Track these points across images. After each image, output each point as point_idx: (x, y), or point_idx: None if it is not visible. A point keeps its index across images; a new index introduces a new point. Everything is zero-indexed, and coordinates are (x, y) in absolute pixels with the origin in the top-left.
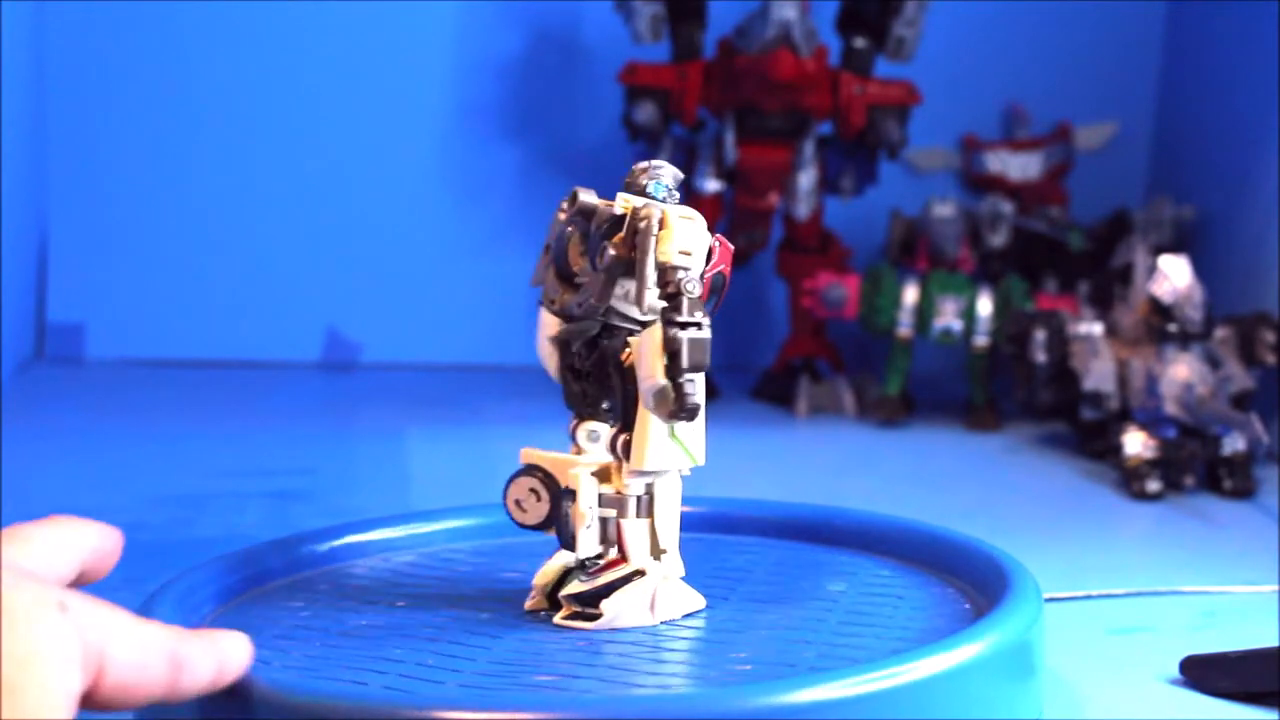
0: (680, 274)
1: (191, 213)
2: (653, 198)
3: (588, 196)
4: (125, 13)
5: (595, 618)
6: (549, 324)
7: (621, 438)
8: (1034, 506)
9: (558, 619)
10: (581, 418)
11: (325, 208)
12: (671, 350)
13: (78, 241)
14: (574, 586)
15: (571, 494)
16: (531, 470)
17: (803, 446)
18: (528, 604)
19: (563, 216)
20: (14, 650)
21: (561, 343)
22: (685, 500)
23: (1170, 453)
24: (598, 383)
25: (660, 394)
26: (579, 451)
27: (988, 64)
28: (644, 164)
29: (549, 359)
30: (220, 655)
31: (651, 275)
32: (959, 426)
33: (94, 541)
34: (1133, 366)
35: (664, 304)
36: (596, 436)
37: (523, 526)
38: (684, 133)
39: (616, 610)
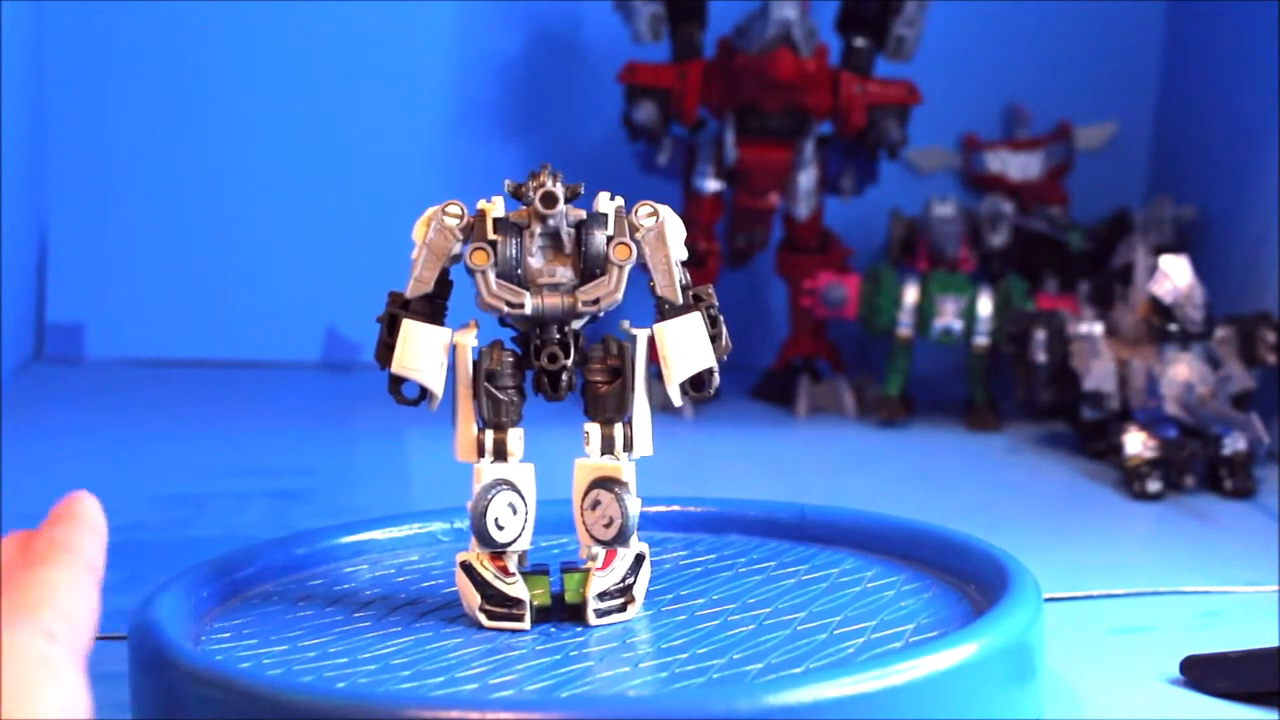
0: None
1: (191, 213)
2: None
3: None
4: (125, 13)
5: (627, 606)
6: (441, 334)
7: (621, 429)
8: (1034, 506)
9: (594, 620)
10: (503, 428)
11: (325, 208)
12: (715, 333)
13: (77, 241)
14: (597, 585)
15: (625, 487)
16: (506, 484)
17: (803, 446)
18: (505, 625)
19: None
20: (12, 688)
21: (488, 350)
22: (687, 500)
23: (1171, 453)
24: (561, 383)
25: (708, 375)
26: (504, 459)
27: (988, 64)
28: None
29: (439, 371)
30: (92, 524)
31: (678, 269)
32: (959, 426)
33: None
34: (1133, 366)
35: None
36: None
37: (491, 545)
38: (684, 132)
39: (641, 595)
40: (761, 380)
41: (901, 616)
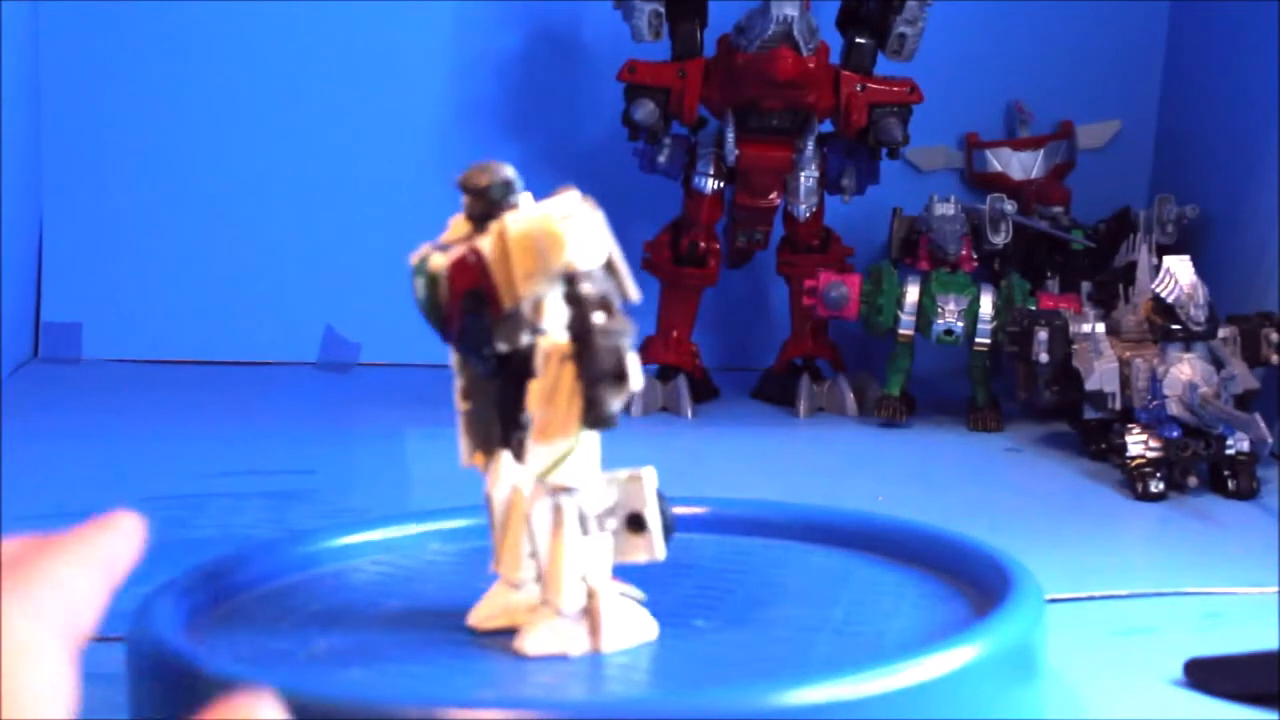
0: None
1: (189, 212)
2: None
3: None
4: (122, 12)
5: None
6: None
7: None
8: (1036, 507)
9: None
10: None
11: (324, 207)
12: None
13: (74, 241)
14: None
15: None
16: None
17: (803, 446)
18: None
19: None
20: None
21: None
22: (687, 500)
23: (1173, 453)
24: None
25: None
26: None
27: (989, 62)
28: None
29: None
30: (121, 529)
31: None
32: (960, 426)
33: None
34: (1135, 366)
35: None
36: None
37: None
38: (684, 131)
39: None
40: (762, 380)
41: (902, 618)
